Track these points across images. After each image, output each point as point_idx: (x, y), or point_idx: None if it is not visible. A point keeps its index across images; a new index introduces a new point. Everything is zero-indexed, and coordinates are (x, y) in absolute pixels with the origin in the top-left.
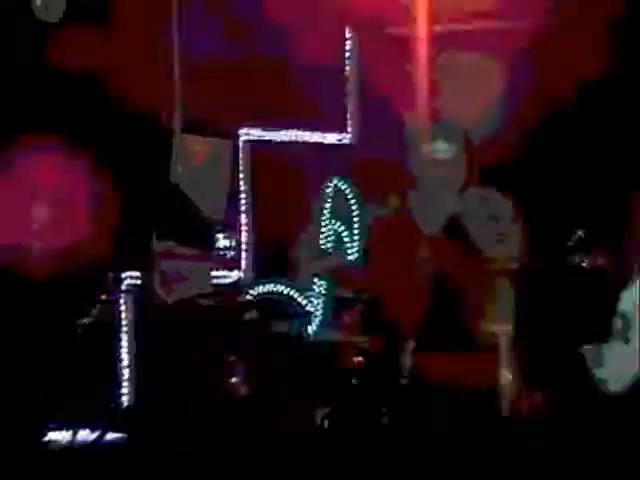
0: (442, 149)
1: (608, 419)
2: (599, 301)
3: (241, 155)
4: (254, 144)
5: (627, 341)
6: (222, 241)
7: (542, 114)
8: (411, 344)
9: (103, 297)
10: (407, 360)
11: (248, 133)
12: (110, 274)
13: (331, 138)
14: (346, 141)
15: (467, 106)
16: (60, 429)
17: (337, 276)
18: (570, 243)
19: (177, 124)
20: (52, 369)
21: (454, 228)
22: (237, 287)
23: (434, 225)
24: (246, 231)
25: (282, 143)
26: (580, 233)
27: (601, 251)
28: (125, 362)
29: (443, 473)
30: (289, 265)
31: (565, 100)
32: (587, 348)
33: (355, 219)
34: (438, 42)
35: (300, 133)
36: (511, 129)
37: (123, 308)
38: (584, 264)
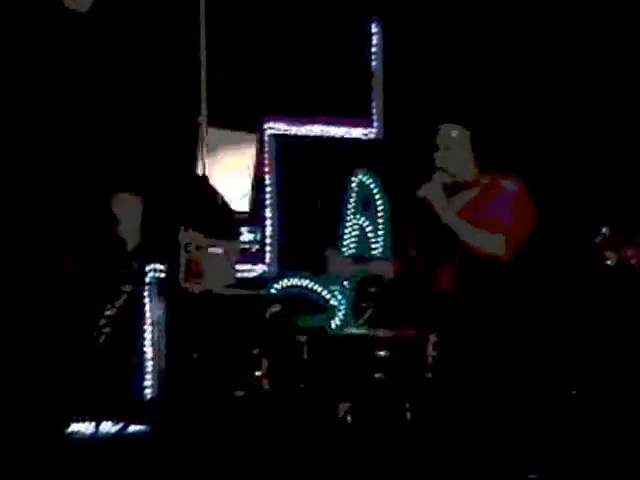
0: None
1: None
2: (625, 299)
3: (266, 149)
4: (279, 138)
5: None
6: (247, 234)
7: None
8: (434, 338)
9: (127, 288)
10: (431, 354)
11: (273, 127)
12: (134, 266)
13: (356, 132)
14: (371, 135)
15: None
16: (83, 421)
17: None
18: (596, 239)
19: (203, 116)
20: (75, 360)
21: None
22: (261, 280)
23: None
24: (271, 225)
25: (307, 137)
26: (605, 230)
27: (628, 247)
28: (149, 354)
29: (466, 468)
30: (314, 259)
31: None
32: None
33: (380, 214)
34: None
35: (325, 127)
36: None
37: (147, 300)
38: (609, 261)
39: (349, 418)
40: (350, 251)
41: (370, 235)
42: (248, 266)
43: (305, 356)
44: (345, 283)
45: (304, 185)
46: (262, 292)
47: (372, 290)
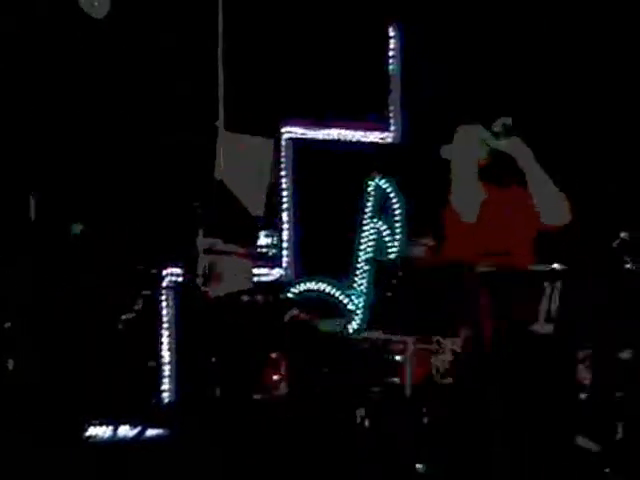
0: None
1: None
2: None
3: (283, 153)
4: (296, 142)
5: None
6: (264, 239)
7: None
8: (450, 342)
9: (145, 293)
10: (446, 359)
11: (290, 131)
12: (153, 270)
13: (373, 136)
14: (389, 140)
15: None
16: (101, 424)
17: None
18: (615, 245)
19: (220, 121)
20: (93, 364)
21: None
22: (278, 285)
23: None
24: (288, 229)
25: (324, 141)
26: (625, 235)
27: None
28: (166, 359)
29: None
30: (331, 263)
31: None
32: None
33: (396, 217)
34: None
35: (342, 131)
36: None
37: (165, 304)
38: (629, 266)
39: (366, 423)
40: (367, 255)
41: (387, 239)
42: (265, 270)
43: (322, 360)
44: (363, 288)
45: (321, 189)
46: (280, 296)
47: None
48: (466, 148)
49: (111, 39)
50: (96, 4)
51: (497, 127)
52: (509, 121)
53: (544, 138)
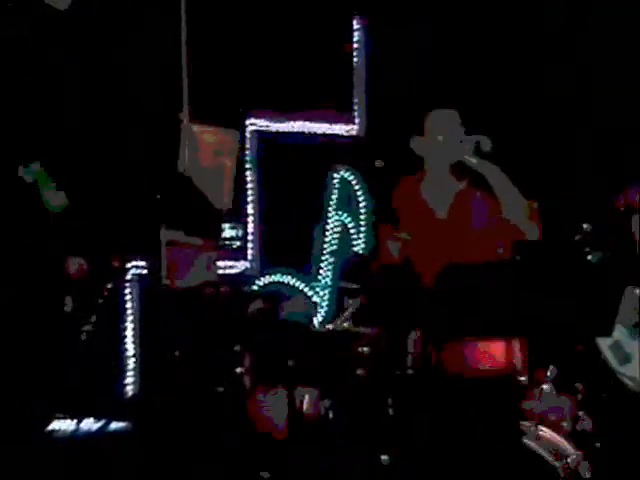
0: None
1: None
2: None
3: (248, 145)
4: (261, 134)
5: None
6: (228, 231)
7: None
8: (415, 334)
9: (109, 286)
10: (412, 350)
11: (254, 123)
12: (116, 263)
13: (338, 129)
14: (353, 132)
15: None
16: (65, 418)
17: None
18: (577, 237)
19: (184, 112)
20: (56, 357)
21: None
22: (243, 277)
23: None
24: (253, 221)
25: (289, 133)
26: (587, 226)
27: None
28: (130, 351)
29: (450, 465)
30: (296, 256)
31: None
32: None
33: (362, 210)
34: None
35: (307, 124)
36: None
37: (128, 297)
38: (590, 258)
39: (330, 415)
40: (332, 247)
41: (352, 232)
42: (230, 263)
43: (287, 352)
44: (328, 280)
45: (286, 181)
46: (244, 289)
47: (355, 287)
48: (440, 134)
49: (73, 29)
50: None
51: (469, 144)
52: (485, 142)
53: (510, 134)
